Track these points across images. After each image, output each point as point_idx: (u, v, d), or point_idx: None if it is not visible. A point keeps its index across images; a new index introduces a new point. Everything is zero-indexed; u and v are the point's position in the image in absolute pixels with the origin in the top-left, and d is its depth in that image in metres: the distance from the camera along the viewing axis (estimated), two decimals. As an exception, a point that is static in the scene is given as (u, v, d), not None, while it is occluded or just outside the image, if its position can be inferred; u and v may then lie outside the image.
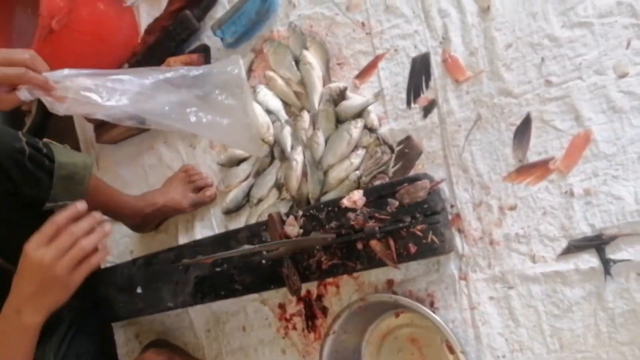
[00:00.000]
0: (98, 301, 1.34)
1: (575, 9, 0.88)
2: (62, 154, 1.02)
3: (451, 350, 0.96)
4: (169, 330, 1.42)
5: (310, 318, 1.16)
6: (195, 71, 1.02)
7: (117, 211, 1.26)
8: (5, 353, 0.86)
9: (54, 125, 1.74)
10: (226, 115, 1.03)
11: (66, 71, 0.92)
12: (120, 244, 1.51)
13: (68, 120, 1.64)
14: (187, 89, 1.00)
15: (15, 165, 0.94)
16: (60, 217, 0.84)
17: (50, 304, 0.87)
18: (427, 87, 1.02)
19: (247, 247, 0.94)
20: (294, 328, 1.18)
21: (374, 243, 0.97)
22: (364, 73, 1.10)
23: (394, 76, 1.06)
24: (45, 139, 1.03)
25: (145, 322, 1.45)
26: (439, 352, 1.01)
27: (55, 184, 0.99)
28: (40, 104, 1.66)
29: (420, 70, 1.03)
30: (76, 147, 1.62)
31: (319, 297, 1.15)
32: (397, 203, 0.96)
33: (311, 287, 1.15)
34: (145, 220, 1.29)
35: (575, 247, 0.88)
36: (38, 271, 0.83)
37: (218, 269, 1.17)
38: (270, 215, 1.08)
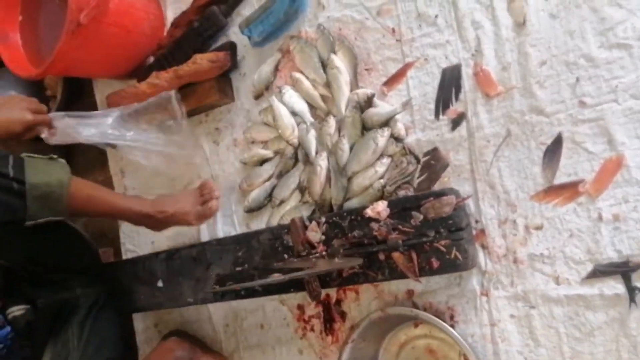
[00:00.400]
0: (115, 291, 1.36)
1: (614, 30, 0.86)
2: (35, 173, 1.00)
3: (470, 364, 0.97)
4: (187, 322, 1.44)
5: (328, 321, 1.17)
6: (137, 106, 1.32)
7: (118, 216, 1.28)
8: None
9: (78, 110, 1.75)
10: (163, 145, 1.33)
11: (52, 114, 1.26)
12: (141, 234, 1.53)
13: (92, 106, 1.64)
14: (135, 122, 1.32)
15: None
16: None
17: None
18: (456, 99, 1.01)
19: (276, 277, 0.97)
20: (312, 330, 1.20)
21: (396, 255, 0.98)
22: (393, 80, 1.08)
23: (423, 86, 1.05)
24: (23, 154, 1.02)
25: (165, 312, 1.47)
26: (457, 364, 1.02)
27: (29, 205, 0.99)
28: (64, 89, 1.68)
29: (450, 81, 1.01)
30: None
31: (338, 301, 1.16)
32: (421, 217, 0.95)
33: (331, 291, 1.16)
34: (153, 224, 1.26)
35: (601, 272, 0.87)
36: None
37: (239, 269, 1.18)
38: (292, 220, 1.08)
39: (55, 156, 1.07)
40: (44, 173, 1.02)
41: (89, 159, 1.71)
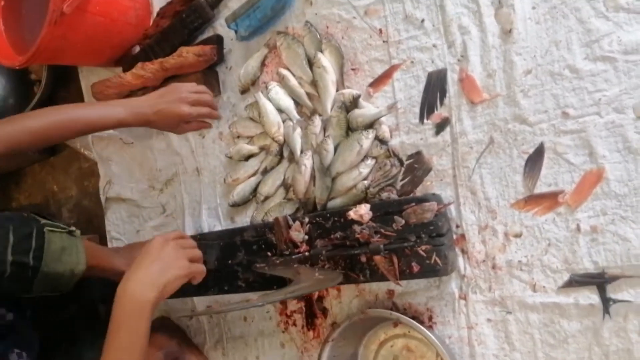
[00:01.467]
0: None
1: (600, 42, 0.86)
2: (52, 259, 0.95)
3: (446, 365, 0.99)
4: (171, 310, 1.45)
5: (310, 317, 1.19)
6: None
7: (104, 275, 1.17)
8: (130, 332, 0.87)
9: (63, 98, 1.73)
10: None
11: None
12: (127, 222, 1.53)
13: (77, 94, 1.63)
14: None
15: None
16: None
17: (166, 282, 0.92)
18: (441, 104, 1.01)
19: (255, 302, 0.96)
20: (294, 324, 1.21)
21: (378, 258, 0.99)
22: (379, 82, 1.08)
23: (408, 89, 1.04)
24: (45, 228, 0.96)
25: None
26: (434, 364, 1.04)
27: (34, 288, 0.94)
28: (49, 74, 1.66)
29: (435, 86, 1.01)
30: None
31: (320, 298, 1.17)
32: (403, 221, 0.96)
33: (313, 288, 1.18)
34: None
35: (577, 281, 0.89)
36: (162, 253, 0.93)
37: (223, 265, 1.19)
38: (276, 219, 1.09)
39: (73, 229, 1.01)
40: (58, 261, 0.96)
41: (73, 150, 1.71)
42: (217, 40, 1.27)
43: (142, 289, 0.88)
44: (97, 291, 1.28)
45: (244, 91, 1.26)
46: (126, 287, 0.87)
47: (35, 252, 0.93)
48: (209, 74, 1.29)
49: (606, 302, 0.86)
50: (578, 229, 0.88)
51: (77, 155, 1.68)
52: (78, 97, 1.61)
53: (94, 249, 1.16)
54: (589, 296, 0.88)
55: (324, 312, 1.17)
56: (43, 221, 0.97)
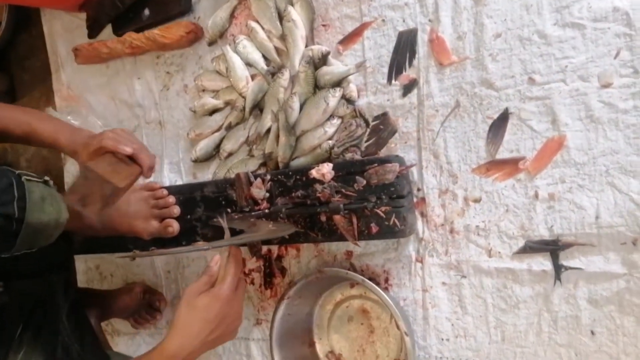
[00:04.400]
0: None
1: (570, 8, 0.85)
2: (35, 208, 0.86)
3: (399, 327, 0.99)
4: (129, 265, 1.43)
5: (268, 276, 1.18)
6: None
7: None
8: None
9: (24, 41, 1.66)
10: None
11: None
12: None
13: (39, 37, 1.57)
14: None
15: None
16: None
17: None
18: (410, 65, 0.99)
19: (201, 246, 0.92)
20: (252, 283, 1.21)
21: (337, 218, 0.98)
22: (349, 40, 1.06)
23: (378, 48, 1.02)
24: (23, 178, 0.87)
25: (107, 255, 1.45)
26: (388, 325, 1.05)
27: (18, 243, 0.85)
28: (10, 16, 1.59)
29: (405, 46, 0.99)
30: (46, 65, 1.56)
31: (279, 257, 1.16)
32: (364, 182, 0.95)
33: (272, 246, 1.17)
34: (95, 237, 1.17)
35: (531, 248, 0.89)
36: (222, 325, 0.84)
37: (182, 220, 1.17)
38: (238, 175, 1.07)
39: (47, 178, 0.92)
40: (42, 211, 0.87)
41: (33, 97, 1.65)
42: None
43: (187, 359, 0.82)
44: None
45: (212, 43, 1.22)
46: (176, 354, 0.81)
47: (19, 203, 0.83)
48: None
49: (558, 269, 0.87)
50: (536, 195, 0.89)
51: (37, 102, 1.61)
52: (40, 40, 1.55)
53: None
54: (542, 262, 0.89)
55: (283, 271, 1.17)
56: (18, 171, 0.91)
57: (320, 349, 1.14)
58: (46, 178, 0.93)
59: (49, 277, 1.01)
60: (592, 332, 0.86)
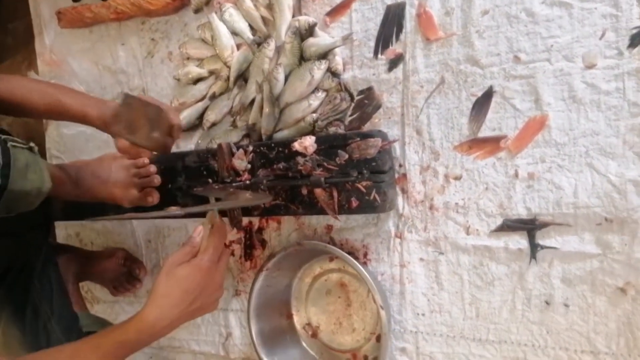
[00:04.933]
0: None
1: (558, -14, 0.84)
2: (19, 176, 0.84)
3: (375, 301, 1.00)
4: (110, 233, 1.42)
5: (249, 247, 1.18)
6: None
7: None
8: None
9: (7, 3, 1.62)
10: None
11: None
12: (67, 141, 1.47)
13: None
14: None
15: None
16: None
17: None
18: (397, 39, 0.98)
19: (174, 211, 0.93)
20: (232, 254, 1.21)
21: (318, 191, 0.98)
22: (336, 11, 1.04)
23: (366, 21, 1.01)
24: (8, 143, 0.85)
25: (87, 222, 1.45)
26: (365, 299, 1.06)
27: None
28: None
29: (393, 20, 0.98)
30: (29, 28, 1.52)
31: (260, 229, 1.16)
32: (346, 156, 0.95)
33: (253, 218, 1.16)
34: (76, 202, 1.14)
35: (509, 226, 0.90)
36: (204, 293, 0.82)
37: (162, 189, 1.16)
38: (220, 145, 1.06)
39: (32, 145, 0.91)
40: (25, 179, 0.85)
41: (15, 61, 1.62)
42: (172, -47, 1.19)
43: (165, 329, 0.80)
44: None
45: (197, 10, 1.20)
46: (154, 324, 0.79)
47: (4, 170, 0.82)
48: None
49: (534, 247, 0.88)
50: (516, 174, 0.89)
51: (20, 66, 1.58)
52: (24, 3, 1.51)
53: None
54: (519, 241, 0.90)
55: (263, 243, 1.17)
56: (4, 136, 0.89)
57: (298, 320, 1.14)
58: (31, 144, 0.91)
59: (24, 237, 1.01)
60: (565, 311, 0.87)
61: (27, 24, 1.53)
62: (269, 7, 1.09)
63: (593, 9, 0.82)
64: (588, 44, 0.83)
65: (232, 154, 1.06)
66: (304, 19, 1.05)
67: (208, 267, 0.81)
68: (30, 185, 0.84)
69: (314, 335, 1.13)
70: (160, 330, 0.79)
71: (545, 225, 0.87)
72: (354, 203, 0.95)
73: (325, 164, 0.97)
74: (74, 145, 1.45)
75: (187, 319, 0.83)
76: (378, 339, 1.04)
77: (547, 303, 0.88)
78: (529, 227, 0.89)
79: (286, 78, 1.07)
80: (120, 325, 0.80)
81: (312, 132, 1.06)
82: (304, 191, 1.00)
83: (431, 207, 0.97)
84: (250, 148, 1.05)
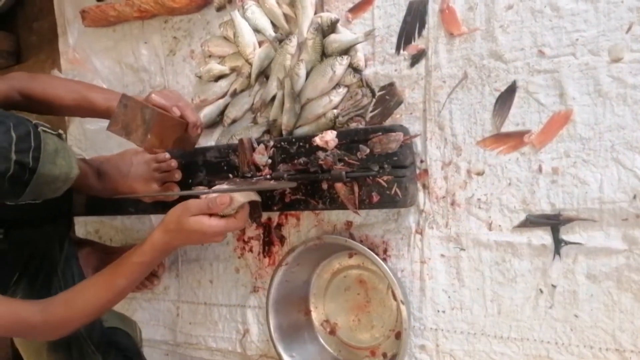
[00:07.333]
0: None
1: (584, -19, 0.84)
2: (48, 160, 0.85)
3: (395, 297, 0.99)
4: (128, 230, 1.44)
5: (267, 244, 1.18)
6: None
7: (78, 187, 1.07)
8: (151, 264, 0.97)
9: (32, 2, 1.65)
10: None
11: None
12: (89, 138, 1.49)
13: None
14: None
15: None
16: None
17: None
18: (419, 35, 0.98)
19: (202, 189, 0.94)
20: (250, 250, 1.21)
21: (339, 186, 0.98)
22: (359, 8, 1.05)
23: (388, 17, 1.01)
24: (40, 128, 0.86)
25: (107, 219, 1.46)
26: (384, 296, 1.05)
27: (27, 192, 0.85)
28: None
29: (416, 15, 0.98)
30: (53, 27, 1.55)
31: (279, 225, 1.16)
32: (367, 150, 0.95)
33: (273, 214, 1.17)
34: (97, 197, 1.17)
35: (532, 222, 0.89)
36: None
37: (183, 184, 1.17)
38: (241, 140, 1.07)
39: (61, 132, 0.92)
40: (54, 164, 0.87)
41: (39, 59, 1.64)
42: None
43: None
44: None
45: (220, 8, 1.21)
46: (163, 248, 0.95)
47: (34, 153, 0.83)
48: None
49: (558, 243, 0.87)
50: (540, 169, 0.88)
51: (43, 65, 1.61)
52: (48, 2, 1.54)
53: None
54: (542, 237, 0.89)
55: (282, 240, 1.17)
56: (35, 121, 0.90)
57: (316, 317, 1.14)
58: (60, 131, 0.93)
59: (48, 228, 1.02)
60: (589, 308, 0.86)
61: (51, 23, 1.56)
62: (292, 4, 1.10)
63: (619, 3, 0.82)
64: (614, 37, 0.82)
65: (253, 149, 1.07)
66: (326, 16, 1.05)
67: (213, 232, 0.91)
68: (59, 171, 0.86)
69: (332, 332, 1.12)
70: (169, 251, 0.98)
71: (569, 220, 0.86)
72: (375, 198, 0.95)
73: (346, 158, 0.97)
74: (95, 141, 1.47)
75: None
76: (397, 336, 1.03)
77: (572, 300, 0.87)
78: (553, 222, 0.88)
79: (307, 74, 1.08)
80: (135, 250, 0.95)
81: (332, 128, 1.06)
82: (325, 186, 1.00)
83: (453, 203, 0.96)
84: (271, 143, 1.05)
